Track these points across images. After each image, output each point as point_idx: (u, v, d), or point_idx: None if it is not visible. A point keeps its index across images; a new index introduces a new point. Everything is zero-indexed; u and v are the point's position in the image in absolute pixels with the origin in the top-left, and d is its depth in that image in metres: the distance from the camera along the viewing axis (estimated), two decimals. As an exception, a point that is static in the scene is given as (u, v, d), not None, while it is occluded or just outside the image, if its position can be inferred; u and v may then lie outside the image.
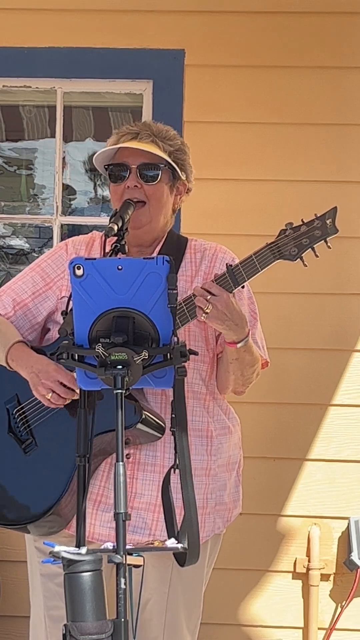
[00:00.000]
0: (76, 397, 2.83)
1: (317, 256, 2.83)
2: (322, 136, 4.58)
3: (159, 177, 3.01)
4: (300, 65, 4.59)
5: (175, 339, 2.51)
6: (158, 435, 2.94)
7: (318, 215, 2.83)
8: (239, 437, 3.17)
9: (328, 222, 2.81)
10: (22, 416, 3.00)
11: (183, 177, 3.08)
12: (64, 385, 2.83)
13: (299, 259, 2.82)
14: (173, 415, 2.55)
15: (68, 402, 2.87)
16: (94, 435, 2.73)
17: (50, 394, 2.84)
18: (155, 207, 3.02)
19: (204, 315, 2.79)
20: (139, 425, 2.86)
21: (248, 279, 2.82)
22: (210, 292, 2.78)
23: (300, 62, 4.58)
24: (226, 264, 2.84)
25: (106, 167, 3.05)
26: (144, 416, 2.87)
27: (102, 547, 2.43)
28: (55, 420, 2.95)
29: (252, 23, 4.59)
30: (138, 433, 2.90)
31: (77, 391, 2.81)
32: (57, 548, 2.33)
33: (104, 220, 4.41)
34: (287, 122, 4.59)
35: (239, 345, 2.88)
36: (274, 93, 4.59)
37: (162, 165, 3.01)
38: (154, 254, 3.02)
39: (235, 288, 2.81)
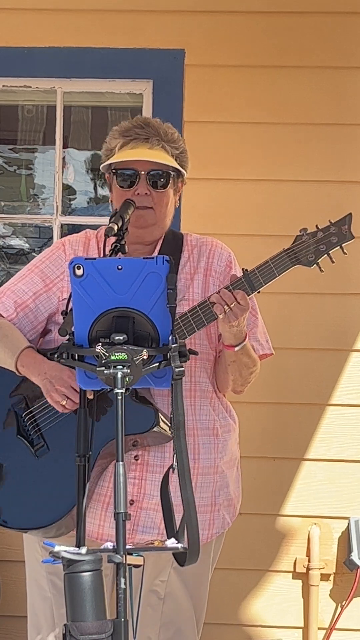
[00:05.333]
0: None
1: (333, 262, 2.88)
2: (322, 136, 4.58)
3: (168, 184, 3.03)
4: (300, 65, 4.58)
5: (173, 338, 2.51)
6: (170, 437, 2.94)
7: (333, 221, 2.88)
8: (237, 434, 3.18)
9: (344, 228, 2.86)
10: (32, 419, 3.00)
11: (185, 176, 3.10)
12: (78, 392, 2.83)
13: (315, 265, 2.86)
14: (171, 416, 2.55)
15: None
16: (108, 440, 2.75)
17: (65, 401, 2.84)
18: (161, 212, 3.03)
19: (222, 315, 2.81)
20: (156, 429, 2.88)
21: (265, 284, 2.86)
22: (237, 301, 2.79)
23: (300, 62, 4.58)
24: (242, 269, 2.87)
25: (113, 170, 3.05)
26: (159, 419, 2.89)
27: (102, 546, 2.43)
28: (66, 425, 2.94)
29: (252, 23, 4.59)
30: (151, 435, 2.91)
31: (91, 397, 2.82)
32: (57, 548, 2.34)
33: (104, 220, 4.41)
34: (287, 122, 4.58)
35: (236, 348, 2.91)
36: (274, 93, 4.59)
37: (172, 173, 3.03)
38: (155, 254, 3.03)
39: (252, 293, 2.84)
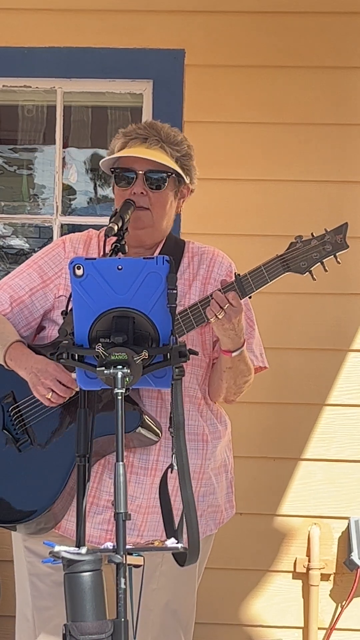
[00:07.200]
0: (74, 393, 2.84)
1: (326, 270, 2.86)
2: (322, 136, 4.58)
3: (166, 184, 3.02)
4: (300, 65, 4.58)
5: (174, 338, 2.51)
6: (155, 440, 2.94)
7: (328, 230, 2.87)
8: (229, 439, 3.18)
9: (338, 237, 2.85)
10: (18, 414, 3.00)
11: (187, 181, 3.08)
12: (63, 385, 2.83)
13: (307, 273, 2.85)
14: (171, 416, 2.55)
15: (66, 400, 2.87)
16: (96, 437, 2.74)
17: (50, 394, 2.84)
18: (158, 213, 3.02)
19: (213, 319, 2.80)
20: (139, 429, 2.86)
21: (256, 290, 2.85)
22: (230, 303, 2.79)
23: (300, 62, 4.58)
24: (235, 274, 2.86)
25: (112, 170, 3.05)
26: (144, 421, 2.88)
27: (102, 547, 2.43)
28: (53, 420, 2.95)
29: (252, 23, 4.59)
30: (135, 437, 2.90)
31: (77, 389, 2.81)
32: (57, 548, 2.34)
33: (104, 220, 4.42)
34: (287, 122, 4.59)
35: (234, 354, 2.90)
36: (274, 93, 4.59)
37: (170, 174, 3.01)
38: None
39: (243, 298, 2.83)
